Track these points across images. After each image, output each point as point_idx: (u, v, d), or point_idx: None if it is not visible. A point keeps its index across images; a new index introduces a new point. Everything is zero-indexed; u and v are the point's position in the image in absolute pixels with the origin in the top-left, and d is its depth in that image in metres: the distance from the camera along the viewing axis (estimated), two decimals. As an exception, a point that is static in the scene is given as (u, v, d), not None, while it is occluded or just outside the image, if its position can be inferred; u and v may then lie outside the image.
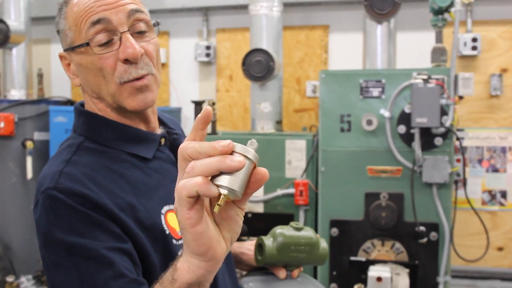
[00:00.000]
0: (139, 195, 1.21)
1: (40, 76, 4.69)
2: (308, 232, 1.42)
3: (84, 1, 1.21)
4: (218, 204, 0.82)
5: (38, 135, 4.13)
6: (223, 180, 0.81)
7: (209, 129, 3.70)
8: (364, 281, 3.02)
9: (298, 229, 1.41)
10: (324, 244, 1.45)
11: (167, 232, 1.21)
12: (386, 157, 3.14)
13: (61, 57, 1.33)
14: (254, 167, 0.85)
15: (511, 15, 4.01)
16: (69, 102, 4.53)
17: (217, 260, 0.89)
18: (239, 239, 3.62)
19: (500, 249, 4.00)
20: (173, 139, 1.37)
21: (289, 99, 4.40)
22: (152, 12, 1.35)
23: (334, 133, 3.20)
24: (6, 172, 4.06)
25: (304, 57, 4.40)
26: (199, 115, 0.87)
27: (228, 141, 0.84)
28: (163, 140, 1.35)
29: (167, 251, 1.19)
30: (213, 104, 3.74)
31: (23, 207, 4.05)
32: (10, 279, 3.88)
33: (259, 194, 3.45)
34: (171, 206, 1.22)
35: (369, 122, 3.13)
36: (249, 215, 3.44)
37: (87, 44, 1.21)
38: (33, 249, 4.03)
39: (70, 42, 1.27)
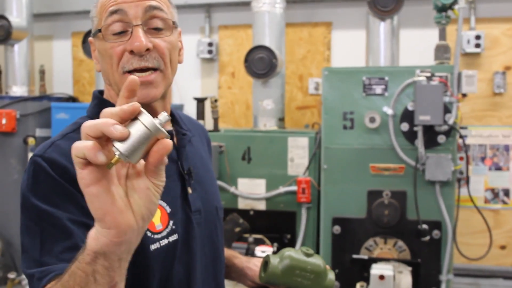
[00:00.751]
0: None
1: (42, 72, 4.69)
2: (317, 260, 1.39)
3: None
4: (110, 163, 0.84)
5: (40, 132, 4.13)
6: (117, 143, 0.84)
7: (211, 126, 3.70)
8: (367, 279, 3.01)
9: (308, 255, 1.39)
10: (331, 276, 1.42)
11: None
12: (389, 155, 3.13)
13: (90, 42, 1.38)
14: (158, 139, 0.88)
15: (514, 12, 4.00)
16: (71, 99, 4.53)
17: (119, 230, 0.87)
18: (240, 238, 3.60)
19: (503, 247, 3.98)
20: (180, 139, 1.40)
21: (291, 97, 4.39)
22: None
23: (336, 131, 3.19)
24: (7, 169, 4.06)
25: (307, 54, 4.39)
26: (125, 83, 0.89)
27: (133, 104, 0.86)
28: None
29: None
30: (215, 101, 3.73)
31: (25, 204, 4.05)
32: (11, 275, 3.88)
33: (261, 191, 3.44)
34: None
35: (372, 120, 3.12)
36: (251, 213, 3.44)
37: (99, 31, 1.28)
38: (35, 246, 4.03)
39: (94, 30, 1.34)
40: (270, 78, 3.65)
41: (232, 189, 3.47)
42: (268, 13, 3.71)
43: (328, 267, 1.44)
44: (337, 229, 3.18)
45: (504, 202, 3.98)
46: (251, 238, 3.34)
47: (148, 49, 1.25)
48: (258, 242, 3.35)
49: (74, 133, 1.28)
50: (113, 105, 1.28)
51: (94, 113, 1.34)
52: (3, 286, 3.95)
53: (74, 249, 1.09)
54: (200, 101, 3.83)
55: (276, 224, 3.44)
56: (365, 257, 3.13)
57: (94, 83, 4.69)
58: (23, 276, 3.88)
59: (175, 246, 1.28)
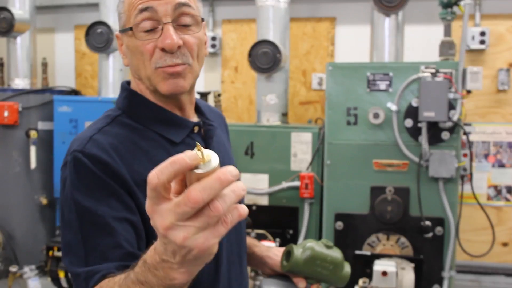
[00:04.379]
0: None
1: (44, 65, 4.68)
2: (336, 253, 1.47)
3: None
4: None
5: (42, 125, 4.11)
6: None
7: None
8: (369, 276, 3.01)
9: (328, 247, 1.47)
10: (347, 268, 1.50)
11: None
12: (393, 151, 3.12)
13: (117, 37, 1.41)
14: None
15: (519, 9, 3.99)
16: (73, 92, 4.52)
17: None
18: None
19: (505, 244, 3.98)
20: (207, 129, 1.44)
21: (295, 92, 4.38)
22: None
23: (340, 126, 3.18)
24: (9, 162, 4.05)
25: (311, 49, 4.37)
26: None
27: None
28: (196, 128, 1.41)
29: None
30: (219, 95, 3.72)
31: (27, 197, 4.03)
32: (13, 269, 3.87)
33: (263, 186, 3.43)
34: None
35: (376, 116, 3.11)
36: (254, 208, 3.43)
37: (131, 29, 1.30)
38: (36, 239, 4.02)
39: (122, 25, 1.36)
40: (274, 73, 3.64)
41: (234, 184, 3.45)
42: (272, 8, 3.69)
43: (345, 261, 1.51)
44: (339, 225, 3.18)
45: (507, 199, 3.97)
46: (253, 233, 3.33)
47: (179, 46, 1.28)
48: (261, 237, 3.35)
49: (109, 126, 1.31)
50: (144, 98, 1.38)
51: (125, 106, 1.38)
52: (4, 279, 3.95)
53: (116, 248, 1.15)
54: (203, 96, 3.81)
55: (278, 220, 3.43)
56: (368, 253, 3.12)
57: (97, 76, 4.68)
58: (25, 269, 3.88)
59: None
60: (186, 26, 1.30)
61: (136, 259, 1.05)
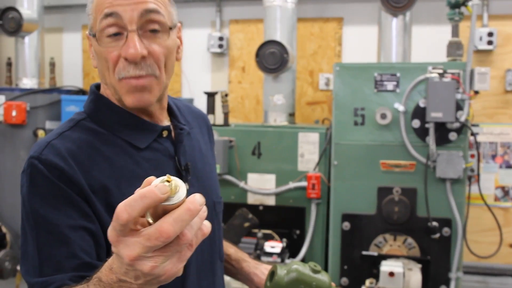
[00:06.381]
0: (120, 180, 1.23)
1: (52, 65, 4.69)
2: (323, 277, 1.38)
3: None
4: None
5: (49, 124, 4.13)
6: None
7: (221, 120, 3.70)
8: (376, 276, 3.01)
9: (315, 271, 1.38)
10: None
11: None
12: (400, 152, 3.12)
13: (87, 37, 1.32)
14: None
15: (528, 9, 3.97)
16: (81, 92, 4.53)
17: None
18: (249, 233, 3.59)
19: (512, 246, 3.97)
20: (177, 133, 1.38)
21: (302, 92, 4.38)
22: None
23: (347, 127, 3.18)
24: (17, 161, 4.07)
25: (318, 49, 4.37)
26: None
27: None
28: (165, 133, 1.35)
29: None
30: (226, 95, 3.72)
31: (34, 196, 4.06)
32: (20, 267, 3.89)
33: (270, 186, 3.43)
34: None
35: (383, 116, 3.11)
36: (261, 208, 3.43)
37: (94, 35, 1.24)
38: (44, 238, 4.05)
39: (89, 27, 1.28)
40: (281, 73, 3.64)
41: (241, 184, 3.46)
42: (280, 8, 3.69)
43: (333, 284, 1.42)
44: (346, 225, 3.17)
45: (514, 201, 3.96)
46: (260, 233, 3.33)
47: (143, 57, 1.21)
48: (267, 237, 3.35)
49: (71, 131, 1.26)
50: (110, 102, 1.32)
51: (90, 109, 1.32)
52: (11, 278, 3.96)
53: (71, 258, 1.11)
54: (211, 96, 3.82)
55: (285, 220, 3.44)
56: (375, 253, 3.12)
57: (104, 76, 4.70)
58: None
59: None
60: (153, 33, 1.23)
61: (93, 269, 1.02)
